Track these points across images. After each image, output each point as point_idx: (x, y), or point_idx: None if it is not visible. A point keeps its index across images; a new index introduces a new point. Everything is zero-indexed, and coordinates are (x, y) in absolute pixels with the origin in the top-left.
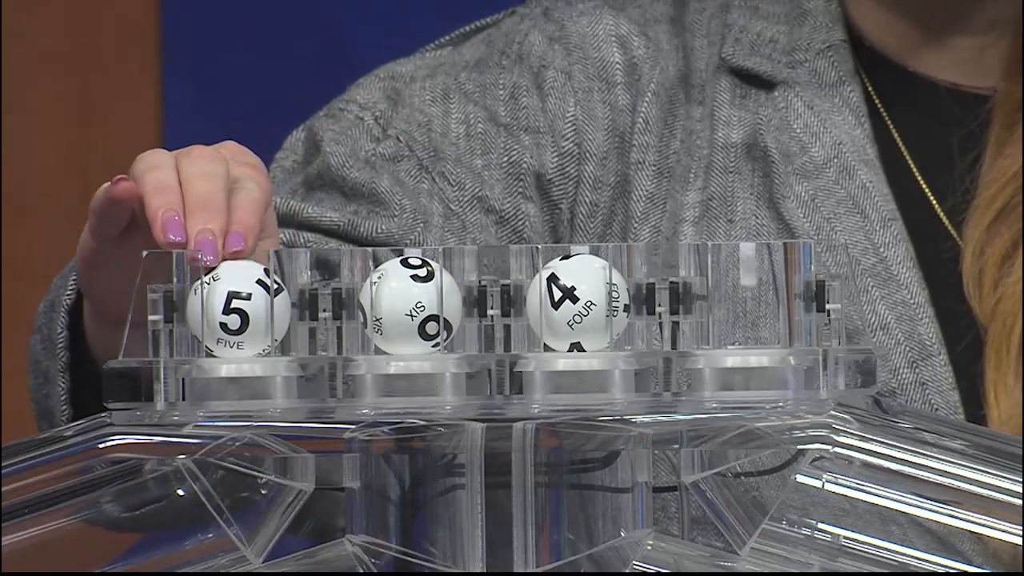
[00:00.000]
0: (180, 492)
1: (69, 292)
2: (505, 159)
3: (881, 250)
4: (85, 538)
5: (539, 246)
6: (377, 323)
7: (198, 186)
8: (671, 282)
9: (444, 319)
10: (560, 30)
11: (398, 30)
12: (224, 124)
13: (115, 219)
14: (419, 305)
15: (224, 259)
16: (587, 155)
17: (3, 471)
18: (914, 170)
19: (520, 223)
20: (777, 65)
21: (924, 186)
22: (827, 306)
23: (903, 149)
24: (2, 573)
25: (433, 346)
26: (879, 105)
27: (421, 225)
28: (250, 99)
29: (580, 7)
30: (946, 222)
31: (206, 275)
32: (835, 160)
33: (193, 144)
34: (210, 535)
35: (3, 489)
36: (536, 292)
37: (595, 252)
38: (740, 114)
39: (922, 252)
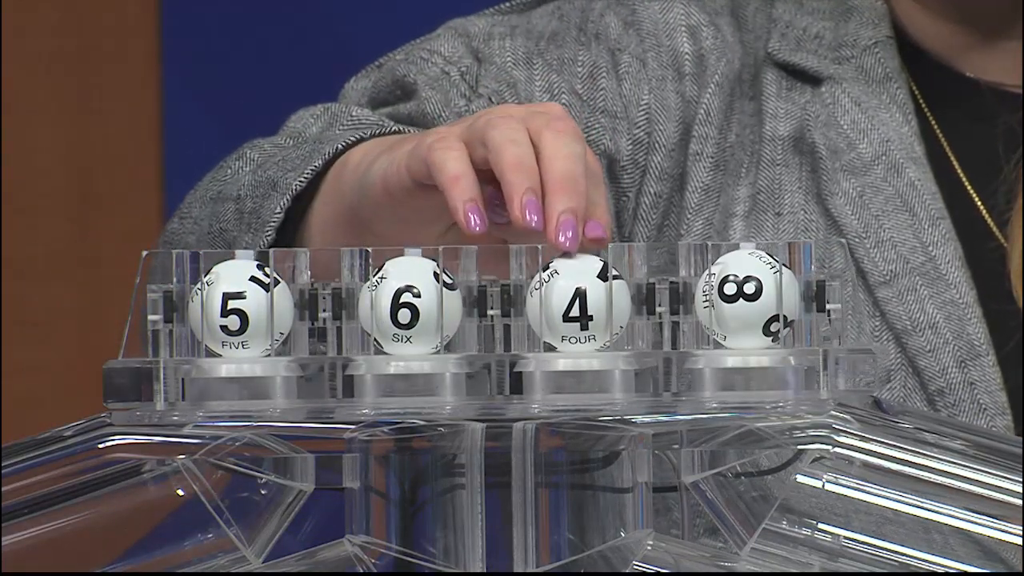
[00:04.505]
0: (180, 492)
1: (302, 180)
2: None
3: (930, 249)
4: (85, 538)
5: (539, 246)
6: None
7: (562, 165)
8: (671, 282)
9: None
10: (632, 14)
11: (398, 29)
12: (224, 124)
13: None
14: None
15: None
16: (656, 145)
17: (3, 471)
18: (958, 169)
19: None
20: (823, 61)
21: (968, 185)
22: (827, 306)
23: (947, 148)
24: (2, 573)
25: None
26: (922, 103)
27: None
28: (250, 99)
29: None
30: (990, 222)
31: (204, 276)
32: (883, 157)
33: (192, 144)
34: (210, 535)
35: (3, 489)
36: (536, 292)
37: (595, 252)
38: (787, 107)
39: (968, 251)
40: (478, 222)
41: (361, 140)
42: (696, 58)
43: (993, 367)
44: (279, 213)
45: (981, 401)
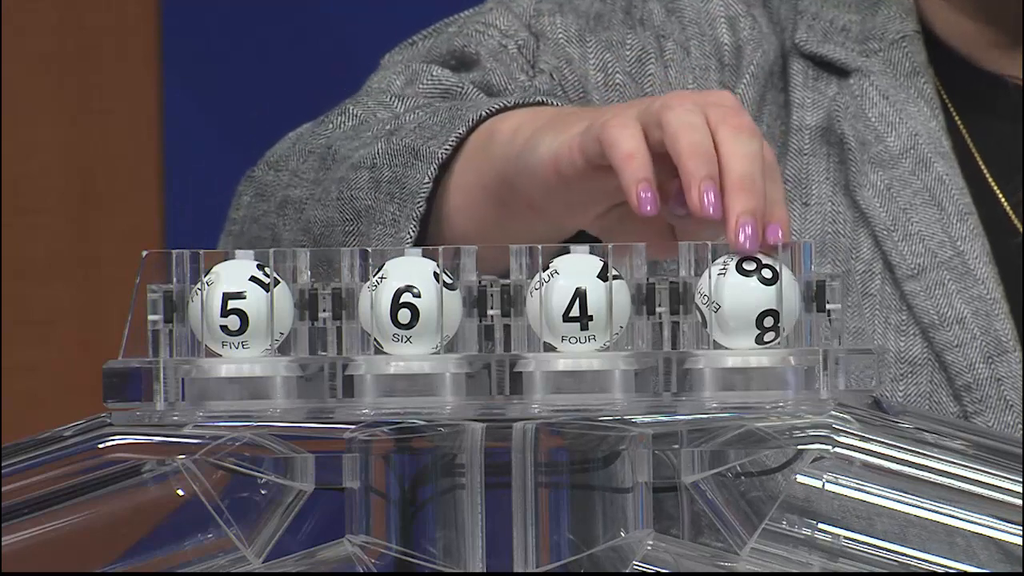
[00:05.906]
0: (180, 492)
1: (447, 148)
2: None
3: (958, 244)
4: (85, 538)
5: (540, 246)
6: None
7: (741, 165)
8: (671, 282)
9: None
10: (673, 2)
11: (398, 29)
12: (224, 124)
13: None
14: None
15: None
16: None
17: (3, 471)
18: (981, 165)
19: None
20: (851, 53)
21: (992, 182)
22: (827, 306)
23: (970, 144)
24: (2, 573)
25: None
26: (946, 99)
27: None
28: (250, 99)
29: None
30: (1014, 219)
31: (204, 276)
32: (911, 151)
33: (192, 144)
34: (210, 535)
35: (3, 489)
36: (536, 292)
37: (595, 252)
38: (814, 96)
39: (993, 248)
40: (651, 203)
41: (506, 108)
42: (734, 49)
43: (1019, 363)
44: (427, 183)
45: (1008, 397)
